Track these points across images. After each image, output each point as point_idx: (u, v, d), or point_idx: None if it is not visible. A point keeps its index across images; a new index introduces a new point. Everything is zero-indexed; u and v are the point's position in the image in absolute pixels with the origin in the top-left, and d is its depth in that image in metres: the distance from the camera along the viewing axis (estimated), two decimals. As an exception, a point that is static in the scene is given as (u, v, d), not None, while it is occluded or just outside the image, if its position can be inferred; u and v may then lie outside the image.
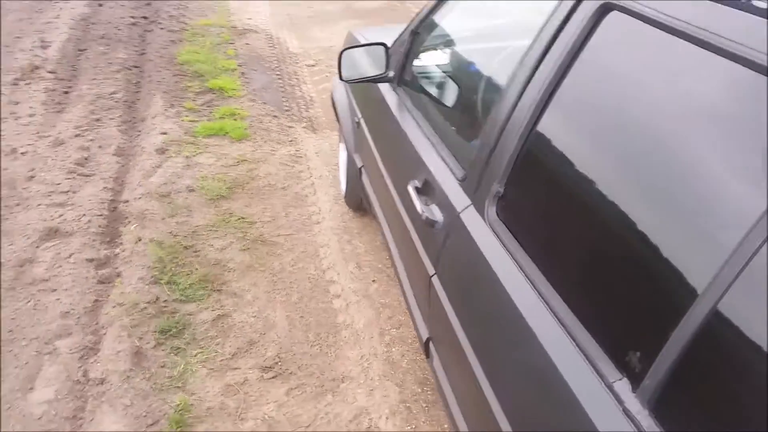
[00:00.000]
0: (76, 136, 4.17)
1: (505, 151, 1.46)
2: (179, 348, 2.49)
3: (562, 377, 1.09)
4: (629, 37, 1.19)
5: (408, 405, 2.28)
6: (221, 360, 2.45)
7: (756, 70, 0.85)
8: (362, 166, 2.83)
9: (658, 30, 1.06)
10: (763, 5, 0.86)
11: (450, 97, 2.25)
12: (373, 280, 2.92)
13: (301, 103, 4.90)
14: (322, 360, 2.47)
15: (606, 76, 1.27)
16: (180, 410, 2.22)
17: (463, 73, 2.30)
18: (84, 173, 3.75)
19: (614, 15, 1.22)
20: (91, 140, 4.13)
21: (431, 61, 2.42)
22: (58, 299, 2.75)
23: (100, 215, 3.35)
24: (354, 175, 3.02)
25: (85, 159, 3.90)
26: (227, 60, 5.56)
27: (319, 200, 3.55)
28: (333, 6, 7.43)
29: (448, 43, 2.44)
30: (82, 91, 4.85)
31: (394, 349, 2.52)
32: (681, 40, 1.00)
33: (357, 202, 3.28)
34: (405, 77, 2.36)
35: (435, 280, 1.76)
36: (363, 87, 2.82)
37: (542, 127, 1.36)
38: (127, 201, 3.49)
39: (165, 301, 2.73)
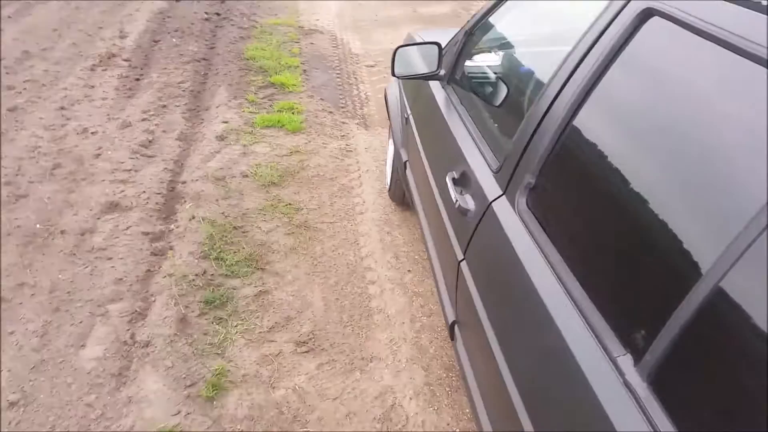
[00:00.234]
0: (143, 120, 4.41)
1: (539, 145, 1.51)
2: (221, 318, 2.63)
3: (572, 353, 1.15)
4: (668, 42, 1.23)
5: (432, 388, 2.35)
6: (259, 332, 2.57)
7: None
8: (407, 160, 2.92)
9: (698, 36, 1.09)
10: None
11: (495, 95, 2.31)
12: (409, 270, 3.00)
13: (356, 101, 5.03)
14: (353, 340, 2.56)
15: (642, 79, 1.31)
16: (217, 374, 2.35)
17: (509, 73, 2.35)
18: (147, 154, 3.97)
19: (655, 20, 1.26)
20: (157, 125, 4.36)
21: (481, 61, 2.48)
22: (113, 267, 2.93)
23: (159, 193, 3.55)
24: (399, 169, 3.11)
25: (150, 141, 4.13)
26: (291, 57, 5.75)
27: (364, 192, 3.65)
28: (399, 11, 7.57)
29: (499, 44, 2.50)
30: (153, 79, 5.12)
31: (423, 336, 2.59)
32: (719, 47, 1.03)
33: (400, 196, 3.37)
34: (455, 76, 2.43)
35: (463, 265, 1.82)
36: (414, 85, 2.91)
37: (576, 124, 1.41)
38: (184, 182, 3.68)
39: (212, 275, 2.88)
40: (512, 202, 1.58)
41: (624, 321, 1.10)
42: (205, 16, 6.81)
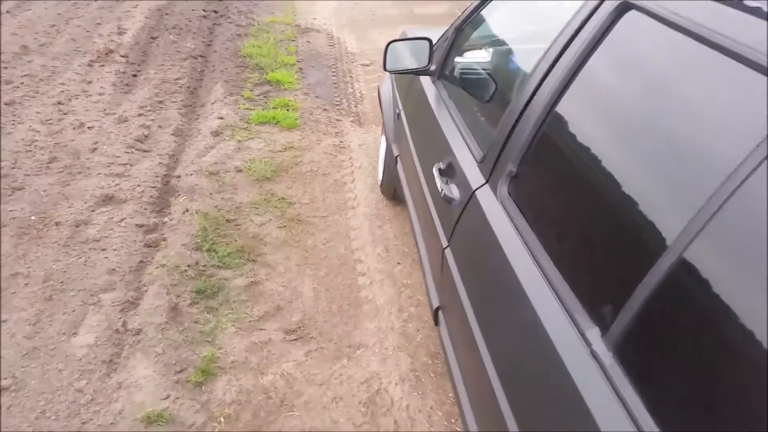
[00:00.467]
0: (139, 115, 4.45)
1: (521, 135, 1.57)
2: (212, 308, 2.67)
3: (545, 328, 1.21)
4: (644, 35, 1.28)
5: (417, 374, 2.39)
6: (249, 321, 2.61)
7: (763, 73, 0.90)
8: (398, 155, 2.96)
9: (672, 30, 1.14)
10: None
11: (481, 89, 2.35)
12: (398, 263, 3.04)
13: (351, 99, 5.08)
14: (341, 328, 2.60)
15: (618, 71, 1.37)
16: (207, 361, 2.39)
17: (495, 68, 2.40)
18: (142, 149, 4.02)
19: (632, 14, 1.31)
20: (153, 120, 4.40)
21: (469, 56, 2.53)
22: (107, 258, 2.97)
23: (153, 187, 3.59)
24: (391, 163, 3.16)
25: (145, 136, 4.17)
26: (287, 55, 5.79)
27: (356, 188, 3.70)
28: (395, 11, 7.62)
29: (486, 40, 2.55)
30: (150, 75, 5.16)
31: (410, 325, 2.64)
32: (692, 40, 1.07)
33: (392, 191, 3.41)
34: (445, 71, 2.48)
35: (447, 252, 1.87)
36: (406, 81, 2.96)
37: (555, 115, 1.47)
38: (179, 176, 3.72)
39: (204, 265, 2.92)
40: (494, 190, 1.63)
41: (593, 297, 1.16)
42: (203, 13, 6.85)
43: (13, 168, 3.63)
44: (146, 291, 2.77)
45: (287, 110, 4.62)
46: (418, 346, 2.53)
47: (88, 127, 4.22)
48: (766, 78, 0.88)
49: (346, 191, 3.67)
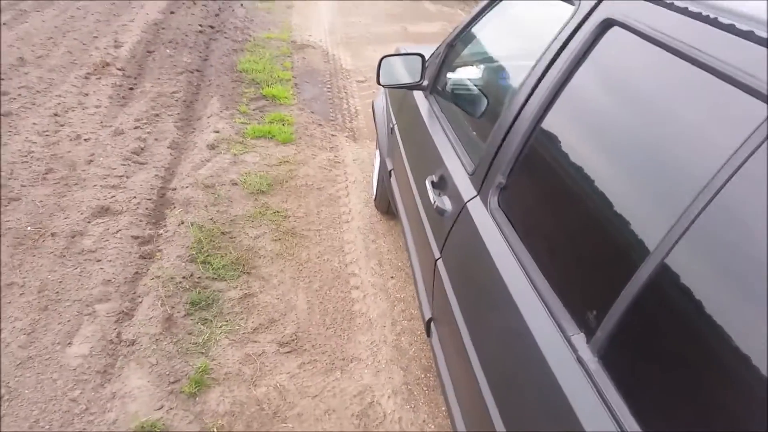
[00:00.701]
0: (136, 128, 4.48)
1: (510, 148, 1.61)
2: (206, 319, 2.69)
3: (533, 335, 1.25)
4: (627, 51, 1.34)
5: (410, 387, 2.41)
6: (243, 333, 2.63)
7: (742, 89, 0.94)
8: (392, 169, 3.00)
9: (653, 46, 1.19)
10: (764, 35, 0.94)
11: (472, 104, 2.40)
12: (392, 277, 3.07)
13: (346, 114, 5.13)
14: (335, 341, 2.63)
15: (602, 86, 1.42)
16: (200, 372, 2.40)
17: (485, 83, 2.46)
18: (139, 161, 4.04)
19: (615, 30, 1.37)
20: (149, 133, 4.43)
21: (460, 72, 2.58)
22: (102, 269, 2.99)
23: (149, 199, 3.61)
24: (384, 177, 3.20)
25: (141, 149, 4.20)
26: (283, 71, 5.86)
27: (350, 202, 3.74)
28: (389, 29, 7.72)
29: (477, 57, 2.61)
30: (146, 89, 5.20)
31: (403, 338, 2.66)
32: (673, 56, 1.12)
33: (386, 205, 3.45)
34: (437, 86, 2.53)
35: (439, 263, 1.90)
36: (399, 96, 3.01)
37: (542, 128, 1.52)
38: (175, 189, 3.75)
39: (199, 277, 2.94)
40: (485, 202, 1.67)
41: (578, 304, 1.20)
42: (200, 28, 6.92)
43: (9, 178, 3.65)
44: (141, 302, 2.79)
45: (283, 125, 4.67)
46: (410, 360, 2.55)
47: (85, 139, 4.25)
48: (740, 91, 0.93)
49: (341, 205, 3.70)
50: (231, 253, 3.14)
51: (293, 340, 2.61)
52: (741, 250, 0.86)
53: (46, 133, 4.28)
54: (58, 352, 2.50)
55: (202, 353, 2.51)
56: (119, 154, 4.08)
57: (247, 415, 2.26)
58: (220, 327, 2.65)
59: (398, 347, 2.62)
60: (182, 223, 3.37)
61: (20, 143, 4.06)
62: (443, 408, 2.32)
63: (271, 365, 2.48)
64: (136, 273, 2.99)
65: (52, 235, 3.21)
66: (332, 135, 4.69)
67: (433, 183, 2.06)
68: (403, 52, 3.00)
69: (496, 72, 2.44)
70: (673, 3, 1.18)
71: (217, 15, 7.54)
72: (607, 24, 1.38)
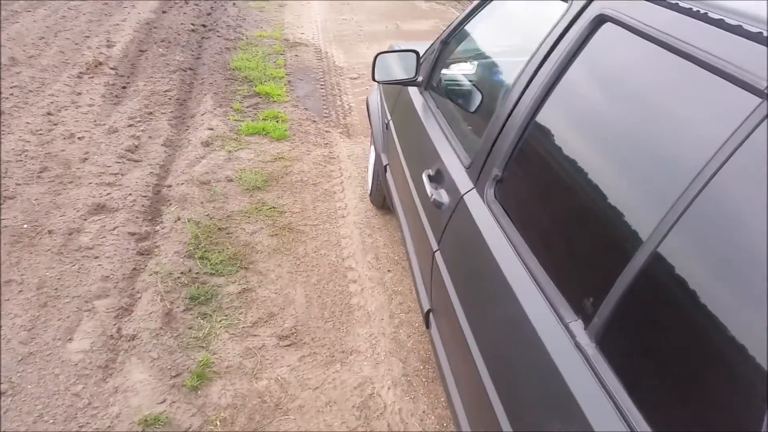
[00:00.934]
0: (129, 126, 4.49)
1: (505, 141, 1.65)
2: (206, 314, 2.71)
3: (531, 323, 1.28)
4: (619, 46, 1.38)
5: (409, 379, 2.45)
6: (243, 327, 2.66)
7: (732, 82, 0.97)
8: (387, 164, 3.03)
9: (645, 41, 1.23)
10: (753, 29, 0.98)
11: (468, 99, 2.44)
12: (389, 270, 3.11)
13: (340, 111, 5.16)
14: (334, 334, 2.66)
15: (595, 81, 1.46)
16: (202, 366, 2.43)
17: (480, 79, 2.50)
18: (133, 159, 4.06)
19: (608, 26, 1.41)
20: (143, 131, 4.44)
21: (455, 68, 2.62)
22: (100, 265, 3.00)
23: (145, 196, 3.63)
24: (380, 172, 3.23)
25: (136, 147, 4.21)
26: (276, 69, 5.87)
27: (346, 197, 3.77)
28: (382, 26, 7.74)
29: (471, 53, 2.64)
30: (139, 87, 5.20)
31: (401, 331, 2.70)
32: (664, 51, 1.16)
33: (381, 200, 3.48)
34: (432, 82, 2.56)
35: (437, 255, 1.94)
36: (394, 92, 3.04)
37: (537, 122, 1.56)
38: (170, 186, 3.77)
39: (197, 273, 2.96)
40: (482, 194, 1.71)
41: (575, 291, 1.23)
42: (192, 27, 6.92)
43: (4, 177, 3.66)
44: (140, 298, 2.80)
45: (277, 122, 4.69)
46: (409, 352, 2.59)
47: (79, 138, 4.25)
48: (730, 84, 0.97)
49: (336, 201, 3.73)
50: (228, 248, 3.17)
51: (293, 333, 2.64)
52: (730, 239, 0.91)
53: (40, 131, 4.28)
54: (59, 347, 2.52)
55: (203, 347, 2.54)
56: (114, 152, 4.09)
57: (249, 408, 2.28)
58: (220, 321, 2.68)
59: (397, 339, 2.65)
60: (179, 219, 3.38)
61: (14, 142, 4.06)
62: (442, 398, 2.36)
63: (271, 358, 2.51)
64: (134, 269, 3.01)
65: (49, 232, 3.22)
66: (326, 131, 4.71)
67: (429, 177, 2.09)
68: (397, 48, 3.03)
69: (490, 68, 2.48)
70: None
71: (209, 14, 7.54)
72: (600, 20, 1.42)
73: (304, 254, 3.19)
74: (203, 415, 2.24)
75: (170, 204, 3.56)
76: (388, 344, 2.62)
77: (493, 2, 2.30)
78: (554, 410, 1.16)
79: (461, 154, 1.97)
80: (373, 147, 3.55)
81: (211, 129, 4.49)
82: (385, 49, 2.77)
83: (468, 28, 2.47)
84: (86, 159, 3.99)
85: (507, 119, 1.67)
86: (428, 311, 2.07)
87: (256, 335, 2.62)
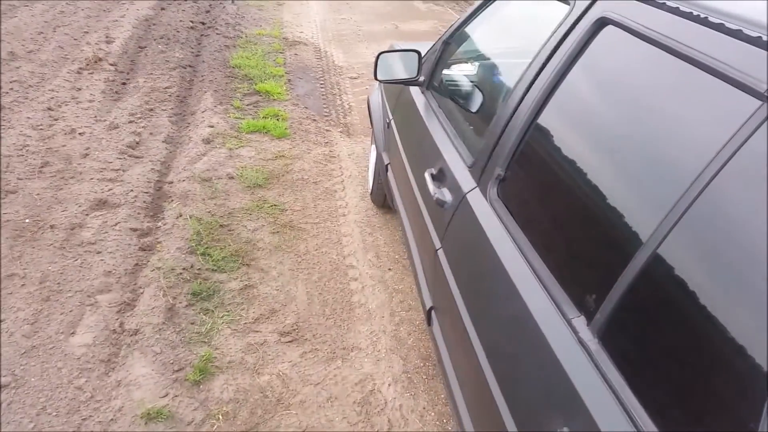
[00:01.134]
0: (130, 122, 4.50)
1: (508, 141, 1.68)
2: (208, 309, 2.74)
3: (534, 319, 1.31)
4: (620, 48, 1.41)
5: (410, 376, 2.48)
6: (244, 323, 2.68)
7: (732, 85, 1.00)
8: (389, 163, 3.06)
9: (646, 44, 1.26)
10: (753, 33, 1.01)
11: (470, 99, 2.48)
12: (389, 269, 3.14)
13: (340, 110, 5.18)
14: (335, 331, 2.69)
15: (597, 82, 1.50)
16: (204, 360, 2.45)
17: (482, 80, 2.53)
18: (134, 155, 4.07)
19: (609, 29, 1.44)
20: (143, 127, 4.46)
21: (457, 68, 2.65)
22: (102, 260, 3.02)
23: (146, 192, 3.65)
24: (381, 172, 3.26)
25: (137, 143, 4.23)
26: (276, 67, 5.89)
27: (346, 196, 3.79)
28: (380, 27, 7.77)
29: (473, 54, 2.68)
30: (139, 84, 5.22)
31: (402, 328, 2.73)
32: (665, 54, 1.19)
33: (381, 199, 3.51)
34: (433, 82, 2.59)
35: (440, 253, 1.97)
36: (395, 91, 3.07)
37: (540, 122, 1.59)
38: (171, 182, 3.78)
39: (199, 269, 2.99)
40: (484, 193, 1.74)
41: (578, 288, 1.26)
42: (191, 24, 6.93)
43: (5, 172, 3.67)
44: (142, 293, 2.82)
45: (277, 120, 4.71)
46: (409, 349, 2.62)
47: (79, 133, 4.26)
48: (729, 86, 1.00)
49: (337, 199, 3.76)
50: (230, 245, 3.19)
51: (294, 329, 2.67)
52: (729, 238, 0.94)
53: (41, 127, 4.29)
54: (62, 341, 2.54)
55: (205, 342, 2.56)
56: (115, 148, 4.10)
57: (251, 402, 2.31)
58: (222, 317, 2.70)
59: (397, 337, 2.68)
60: (180, 215, 3.40)
61: (15, 137, 4.07)
62: (443, 395, 2.39)
63: (273, 354, 2.54)
64: (137, 264, 3.03)
65: (51, 227, 3.23)
66: (326, 130, 4.74)
67: (432, 176, 2.12)
68: (399, 48, 3.06)
69: (493, 68, 2.51)
70: (665, 3, 1.25)
71: (207, 11, 7.55)
72: (602, 23, 1.45)
73: (305, 252, 3.22)
74: (205, 409, 2.27)
75: (172, 200, 3.58)
76: (389, 341, 2.65)
77: (494, 4, 2.33)
78: (557, 404, 1.19)
79: (464, 153, 2.00)
80: (374, 146, 3.58)
81: (212, 126, 4.50)
82: (387, 49, 2.79)
83: (470, 28, 2.50)
84: (87, 154, 4.00)
85: (510, 119, 1.70)
86: (430, 309, 2.10)
87: (257, 331, 2.65)
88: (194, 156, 4.08)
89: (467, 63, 2.65)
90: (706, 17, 1.11)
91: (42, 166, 3.79)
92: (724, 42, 1.05)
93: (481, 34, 2.55)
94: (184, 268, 2.96)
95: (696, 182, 1.00)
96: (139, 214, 3.43)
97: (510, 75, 2.16)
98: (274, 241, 3.27)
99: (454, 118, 2.28)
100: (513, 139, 1.65)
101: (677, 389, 0.98)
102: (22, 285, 2.81)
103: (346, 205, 3.70)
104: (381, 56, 2.67)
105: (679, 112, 1.16)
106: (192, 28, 6.86)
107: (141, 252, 3.12)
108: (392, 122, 3.04)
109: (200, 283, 2.87)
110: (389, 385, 2.43)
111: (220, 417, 2.24)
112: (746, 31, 1.00)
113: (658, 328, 1.05)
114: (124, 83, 5.25)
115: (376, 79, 2.68)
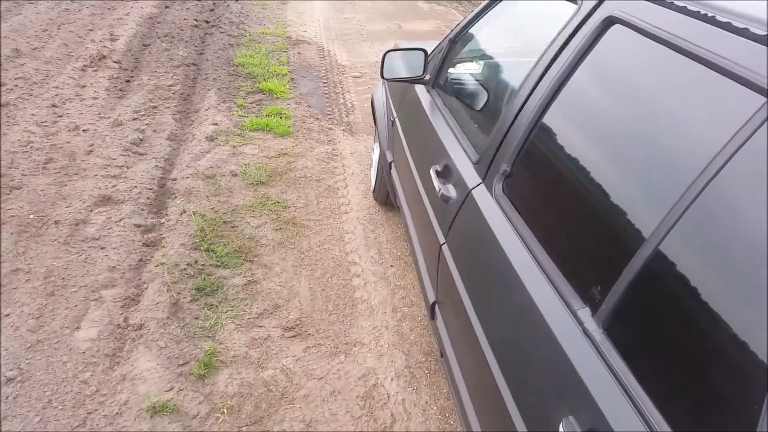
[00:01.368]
0: (134, 119, 4.52)
1: (514, 138, 1.70)
2: (212, 305, 2.75)
3: (540, 311, 1.33)
4: (628, 47, 1.42)
5: (412, 370, 2.49)
6: (248, 318, 2.70)
7: (739, 82, 1.01)
8: (392, 160, 3.08)
9: (653, 41, 1.27)
10: (759, 32, 1.02)
11: (476, 98, 2.49)
12: (391, 265, 3.15)
13: (342, 109, 5.20)
14: (338, 326, 2.70)
15: (603, 81, 1.51)
16: (209, 355, 2.46)
17: (489, 78, 2.54)
18: (138, 152, 4.09)
19: (617, 28, 1.45)
20: (147, 124, 4.47)
21: (464, 67, 2.66)
22: (107, 255, 3.04)
23: (150, 189, 3.66)
24: (384, 169, 3.27)
25: (141, 140, 4.24)
26: (279, 66, 5.91)
27: (349, 193, 3.81)
28: (383, 26, 7.79)
29: (479, 52, 2.69)
30: (143, 81, 5.23)
31: (404, 324, 2.74)
32: (672, 52, 1.20)
33: (384, 197, 3.52)
34: (439, 80, 2.61)
35: (444, 248, 1.98)
36: (400, 90, 3.08)
37: (546, 119, 1.61)
38: (175, 179, 3.80)
39: (203, 264, 3.00)
40: (490, 189, 1.75)
41: (583, 281, 1.28)
42: (195, 22, 6.95)
43: (10, 168, 3.68)
44: (146, 288, 2.84)
45: (280, 118, 4.73)
46: (412, 344, 2.64)
47: (83, 130, 4.28)
48: (736, 84, 1.01)
49: (339, 197, 3.77)
50: (233, 241, 3.21)
51: (297, 325, 2.68)
52: (731, 233, 0.96)
53: (45, 123, 4.31)
54: (67, 336, 2.55)
55: (209, 337, 2.58)
56: (118, 145, 4.12)
57: (255, 396, 2.32)
58: (226, 312, 2.72)
59: (399, 332, 2.70)
60: (184, 212, 3.42)
61: (19, 133, 4.09)
62: (445, 390, 2.40)
63: (276, 349, 2.55)
64: (141, 260, 3.05)
65: (55, 222, 3.25)
66: (329, 128, 4.75)
67: (437, 172, 2.14)
68: (405, 47, 3.07)
69: (499, 67, 2.52)
70: (672, 2, 1.27)
71: (211, 10, 7.57)
72: (609, 22, 1.47)
73: (308, 248, 3.23)
74: (210, 403, 2.28)
75: (175, 197, 3.59)
76: (391, 337, 2.67)
77: (502, 3, 2.35)
78: (562, 394, 1.21)
79: (469, 150, 2.02)
80: (377, 144, 3.60)
81: (216, 124, 4.52)
82: (393, 48, 2.80)
83: (477, 27, 2.52)
84: (91, 151, 4.02)
85: (516, 117, 1.72)
86: (433, 303, 2.12)
87: (261, 326, 2.66)
88: (198, 153, 4.09)
89: (473, 62, 2.66)
90: (714, 16, 1.12)
91: (46, 163, 3.81)
92: (731, 40, 1.06)
93: (488, 33, 2.57)
94: (188, 264, 2.98)
95: (702, 175, 1.01)
96: (142, 210, 3.44)
97: (517, 74, 2.17)
98: (277, 238, 3.28)
99: (460, 116, 2.30)
100: (519, 136, 1.67)
101: (681, 378, 0.99)
102: (27, 280, 2.82)
103: (348, 203, 3.71)
104: (387, 54, 2.68)
105: (684, 109, 1.17)
106: (196, 26, 6.88)
107: (145, 248, 3.14)
108: (396, 120, 3.05)
109: (204, 279, 2.89)
110: (392, 379, 2.44)
111: (225, 410, 2.26)
112: (753, 30, 1.02)
113: (661, 318, 1.06)
114: (128, 81, 5.27)
115: (382, 77, 2.69)
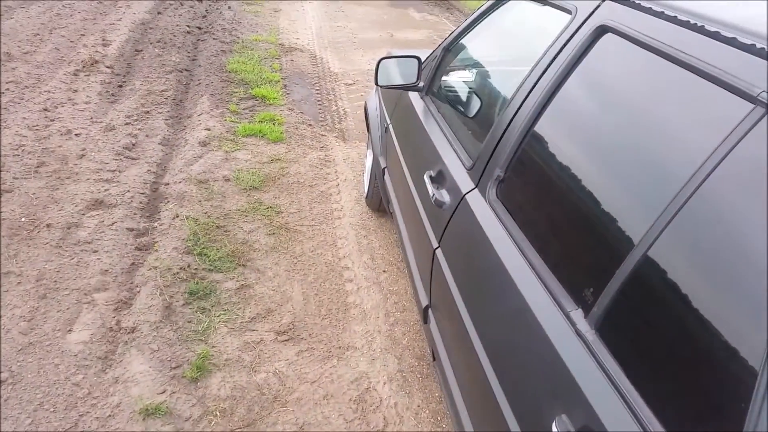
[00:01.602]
0: (126, 124, 4.52)
1: (508, 144, 1.73)
2: (205, 308, 2.76)
3: (533, 313, 1.35)
4: (619, 55, 1.46)
5: (404, 374, 2.51)
6: (241, 322, 2.71)
7: (728, 90, 1.05)
8: (386, 167, 3.10)
9: (645, 51, 1.31)
10: (746, 41, 1.06)
11: (469, 104, 2.53)
12: (384, 271, 3.17)
13: (335, 116, 5.22)
14: (331, 331, 2.71)
15: (595, 88, 1.55)
16: (201, 358, 2.47)
17: (482, 86, 2.57)
18: (131, 156, 4.09)
19: (608, 36, 1.49)
20: (140, 129, 4.48)
21: (457, 74, 2.70)
22: (99, 259, 3.04)
23: (143, 193, 3.66)
24: (378, 175, 3.30)
25: (133, 145, 4.24)
26: (272, 72, 5.93)
27: (342, 199, 3.83)
28: (376, 35, 7.84)
29: (472, 61, 2.72)
30: (135, 87, 5.24)
31: (396, 329, 2.76)
32: (661, 60, 1.24)
33: (377, 203, 3.55)
34: (433, 88, 2.64)
35: (438, 252, 2.01)
36: (393, 96, 3.11)
37: (539, 126, 1.64)
38: (167, 183, 3.80)
39: (195, 268, 3.00)
40: (483, 194, 1.78)
41: (576, 283, 1.31)
42: (187, 29, 6.96)
43: (1, 171, 3.67)
44: (139, 291, 2.84)
45: (273, 124, 4.74)
46: (404, 349, 2.65)
47: (76, 134, 4.28)
48: (724, 91, 1.05)
49: (332, 202, 3.79)
50: (226, 245, 3.21)
51: (290, 329, 2.69)
52: (719, 237, 0.99)
53: (37, 127, 4.30)
54: (59, 338, 2.54)
55: (202, 340, 2.58)
56: (111, 149, 4.12)
57: (248, 399, 2.33)
58: (219, 316, 2.72)
59: (392, 337, 2.71)
60: (177, 216, 3.42)
61: (11, 137, 4.08)
62: (437, 394, 2.42)
63: (269, 352, 2.56)
64: (133, 264, 3.05)
65: (47, 226, 3.24)
66: (322, 135, 4.78)
67: (431, 177, 2.17)
68: (399, 54, 3.10)
69: (492, 75, 2.56)
70: (663, 12, 1.31)
71: (204, 16, 7.59)
72: (602, 30, 1.51)
73: (300, 253, 3.25)
74: (203, 406, 2.29)
75: (168, 201, 3.60)
76: (384, 341, 2.68)
77: (495, 12, 2.38)
78: (556, 393, 1.23)
79: (463, 156, 2.05)
80: (370, 150, 3.62)
81: (208, 129, 4.53)
82: (387, 55, 2.83)
83: (470, 36, 2.55)
84: (83, 155, 4.02)
85: (510, 123, 1.75)
86: (426, 307, 2.14)
87: (254, 330, 2.67)
88: (190, 158, 4.10)
89: (467, 70, 2.70)
90: (703, 26, 1.16)
91: (38, 166, 3.80)
92: (720, 49, 1.10)
93: (482, 41, 2.60)
94: (180, 268, 2.98)
95: (689, 183, 1.05)
96: (135, 214, 3.44)
97: (510, 81, 2.21)
98: (270, 243, 3.30)
99: (454, 123, 2.33)
100: (513, 142, 1.70)
101: (671, 377, 1.02)
102: (18, 283, 2.82)
103: (341, 209, 3.73)
104: (382, 62, 2.71)
105: (673, 116, 1.21)
106: (188, 32, 6.89)
107: (137, 251, 3.14)
108: (390, 127, 3.08)
109: (197, 283, 2.89)
110: (384, 383, 2.46)
111: (218, 413, 2.26)
112: (741, 39, 1.06)
113: (651, 319, 1.09)
114: (120, 86, 5.27)
115: (376, 84, 2.72)
